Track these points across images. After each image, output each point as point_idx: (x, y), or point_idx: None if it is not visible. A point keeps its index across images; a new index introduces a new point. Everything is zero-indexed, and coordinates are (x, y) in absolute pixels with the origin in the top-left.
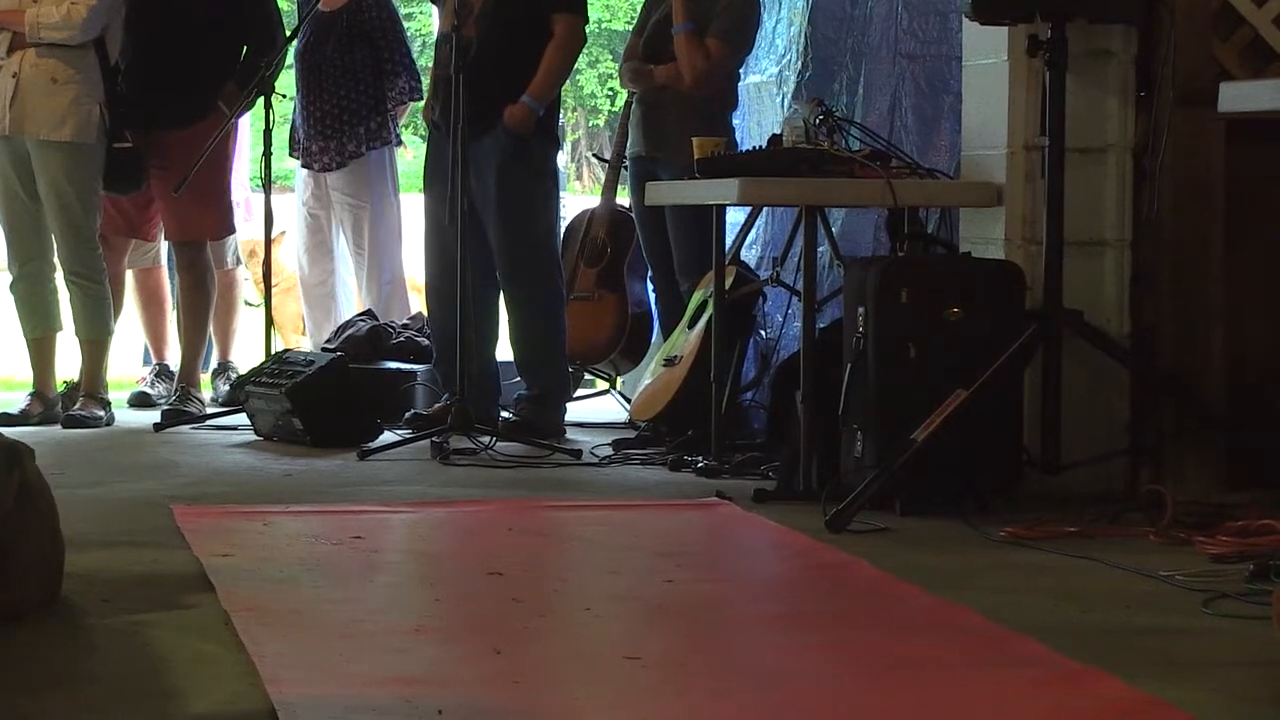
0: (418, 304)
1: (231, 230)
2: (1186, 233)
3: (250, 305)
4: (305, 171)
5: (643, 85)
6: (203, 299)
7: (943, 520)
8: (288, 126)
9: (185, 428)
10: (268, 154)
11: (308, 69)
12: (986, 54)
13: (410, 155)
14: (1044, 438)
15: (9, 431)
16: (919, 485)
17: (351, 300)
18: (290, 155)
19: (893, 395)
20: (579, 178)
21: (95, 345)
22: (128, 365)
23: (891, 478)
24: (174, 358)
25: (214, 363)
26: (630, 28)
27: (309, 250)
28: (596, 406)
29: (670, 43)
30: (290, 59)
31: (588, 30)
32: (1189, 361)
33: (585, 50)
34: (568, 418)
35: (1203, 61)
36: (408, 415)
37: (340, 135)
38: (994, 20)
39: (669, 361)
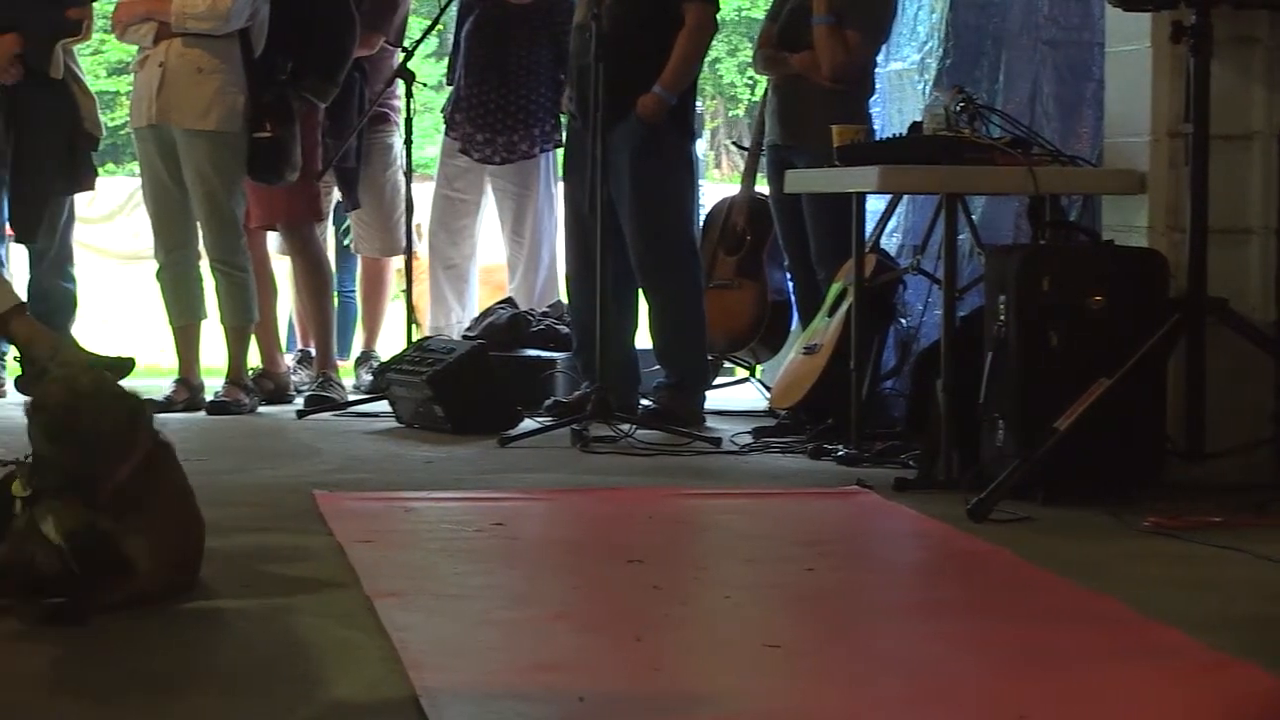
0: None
1: (321, 214)
2: None
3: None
4: (458, 154)
5: (777, 72)
6: (321, 281)
7: (1085, 509)
8: (427, 114)
9: (327, 414)
10: (408, 142)
11: (484, 57)
12: (1129, 40)
13: None
14: (1188, 426)
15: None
16: (1061, 474)
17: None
18: (448, 135)
19: (1034, 384)
20: (718, 166)
21: (239, 332)
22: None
23: (1033, 466)
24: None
25: (357, 351)
26: None
27: (449, 232)
28: (736, 394)
29: (805, 30)
30: (426, 41)
31: (726, 18)
32: None
33: (725, 38)
34: (707, 406)
35: None
36: (548, 403)
37: (511, 132)
38: (1137, 7)
39: (809, 349)
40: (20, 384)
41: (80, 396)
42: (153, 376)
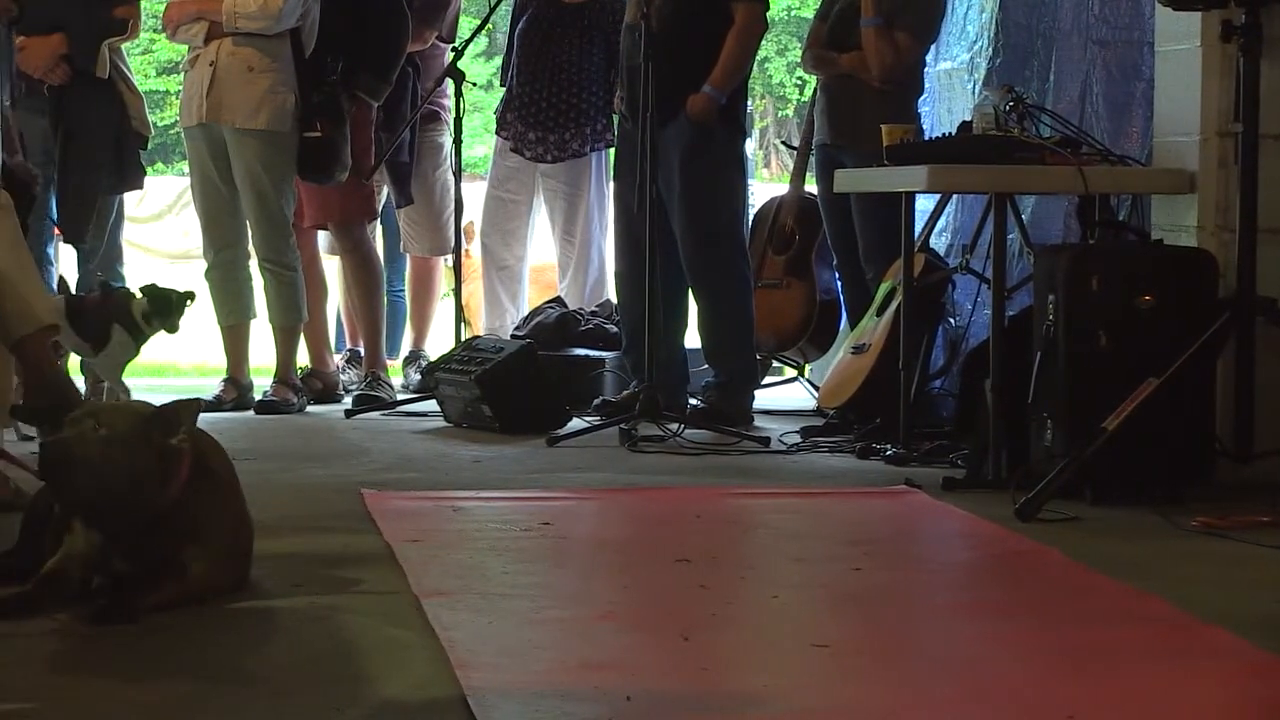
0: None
1: (374, 213)
2: None
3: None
4: (509, 154)
5: (826, 72)
6: (372, 280)
7: (1133, 509)
8: (476, 114)
9: (375, 414)
10: (458, 141)
11: (536, 56)
12: (1179, 40)
13: None
14: (1236, 426)
15: (203, 419)
16: (1110, 474)
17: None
18: (500, 135)
19: (1083, 383)
20: (767, 165)
21: (288, 332)
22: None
23: (1082, 466)
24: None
25: (406, 350)
26: None
27: (501, 233)
28: (784, 394)
29: (854, 30)
30: (476, 38)
31: (775, 17)
32: None
33: (774, 38)
34: (756, 405)
35: None
36: (596, 402)
37: (563, 130)
38: (1187, 6)
39: (857, 349)
40: (17, 411)
41: (98, 471)
42: (201, 375)
